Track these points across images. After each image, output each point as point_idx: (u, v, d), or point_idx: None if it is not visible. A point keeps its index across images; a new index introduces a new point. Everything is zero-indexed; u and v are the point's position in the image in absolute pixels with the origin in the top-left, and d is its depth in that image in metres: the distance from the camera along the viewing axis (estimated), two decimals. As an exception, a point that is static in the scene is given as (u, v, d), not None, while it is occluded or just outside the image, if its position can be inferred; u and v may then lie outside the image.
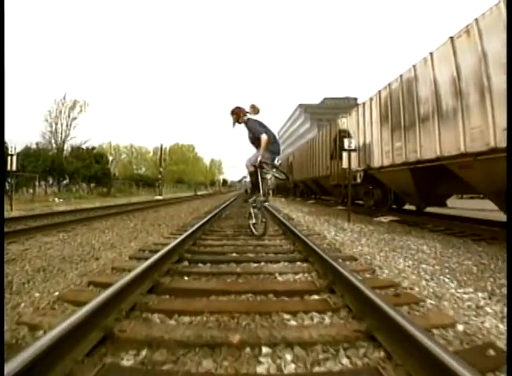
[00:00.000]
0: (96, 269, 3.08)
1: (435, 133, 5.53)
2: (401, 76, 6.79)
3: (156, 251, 2.96)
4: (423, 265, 3.37)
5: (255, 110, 4.93)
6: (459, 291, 2.53)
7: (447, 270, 3.23)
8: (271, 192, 5.87)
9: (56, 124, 28.71)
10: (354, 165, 8.77)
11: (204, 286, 2.37)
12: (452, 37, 5.02)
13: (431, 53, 5.65)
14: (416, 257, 3.80)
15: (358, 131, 9.16)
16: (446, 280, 2.86)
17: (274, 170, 4.67)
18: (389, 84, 7.36)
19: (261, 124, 4.83)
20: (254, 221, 4.95)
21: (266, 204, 4.83)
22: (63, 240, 4.90)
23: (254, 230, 4.80)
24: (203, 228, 5.13)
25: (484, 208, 11.05)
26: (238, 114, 4.95)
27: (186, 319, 1.86)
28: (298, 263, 3.15)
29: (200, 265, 3.05)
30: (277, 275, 2.71)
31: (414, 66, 6.23)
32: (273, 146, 4.80)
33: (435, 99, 5.50)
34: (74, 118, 29.64)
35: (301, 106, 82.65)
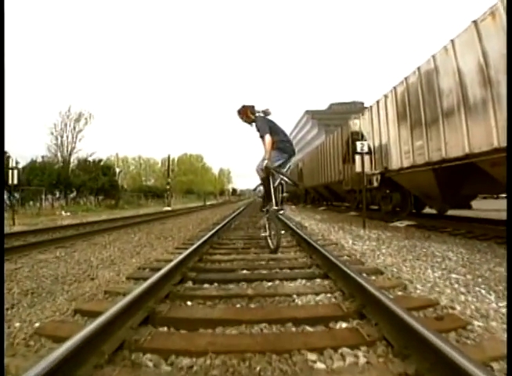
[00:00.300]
0: (89, 291, 2.76)
1: (462, 128, 5.08)
2: (418, 68, 6.37)
3: (157, 270, 2.64)
4: (454, 275, 3.09)
5: (266, 112, 4.61)
6: (500, 304, 2.24)
7: (480, 280, 2.95)
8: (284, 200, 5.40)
9: (62, 137, 28.81)
10: (369, 168, 8.36)
11: (209, 314, 2.00)
12: (475, 21, 4.62)
13: (452, 41, 5.24)
14: (443, 265, 3.52)
15: (372, 131, 8.74)
16: (483, 292, 2.57)
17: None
18: (405, 79, 6.93)
19: (270, 122, 4.44)
20: (266, 233, 4.56)
21: (281, 213, 4.36)
22: (59, 257, 4.61)
23: (270, 243, 4.35)
24: (211, 241, 4.78)
25: (500, 208, 10.74)
26: (245, 113, 4.62)
27: (186, 361, 1.50)
28: (318, 280, 2.77)
29: (206, 285, 2.68)
30: (295, 296, 2.33)
31: (433, 56, 5.81)
32: (284, 146, 4.39)
33: (460, 90, 5.06)
34: (80, 131, 29.78)
35: (307, 112, 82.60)
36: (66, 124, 29.03)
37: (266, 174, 4.26)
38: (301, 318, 1.91)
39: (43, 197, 20.83)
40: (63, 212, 19.06)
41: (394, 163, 7.64)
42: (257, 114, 4.56)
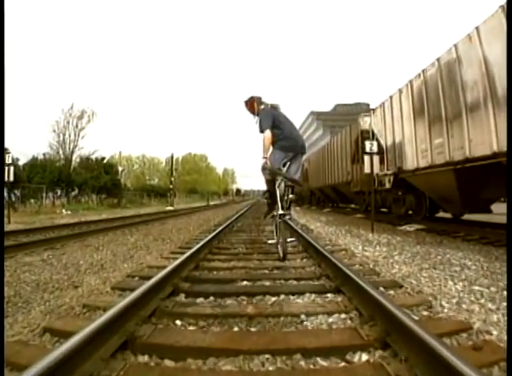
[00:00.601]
0: (68, 303, 2.44)
1: (490, 124, 4.63)
2: (438, 60, 5.94)
3: (147, 278, 2.34)
4: (477, 287, 2.79)
5: (274, 105, 4.26)
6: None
7: (506, 293, 2.60)
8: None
9: (64, 134, 28.49)
10: (380, 169, 7.96)
11: (200, 341, 1.65)
12: (503, 6, 4.21)
13: (477, 28, 4.82)
14: (463, 276, 3.21)
15: (384, 129, 8.27)
16: (513, 308, 2.22)
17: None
18: (423, 71, 6.48)
19: (275, 115, 4.05)
20: (274, 240, 4.19)
21: (287, 218, 3.95)
22: (46, 260, 4.33)
23: (280, 251, 3.82)
24: (211, 245, 4.44)
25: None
26: (251, 104, 4.28)
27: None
28: (330, 296, 2.41)
29: (200, 300, 2.34)
30: (303, 317, 1.98)
31: (455, 45, 5.38)
32: (289, 143, 3.99)
33: (487, 81, 4.63)
34: (82, 128, 29.48)
35: (312, 113, 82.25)
36: (68, 122, 28.82)
37: (271, 175, 3.93)
38: (311, 348, 1.56)
39: (44, 194, 20.61)
40: (64, 211, 18.89)
41: (409, 163, 7.19)
42: (262, 106, 4.21)
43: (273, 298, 2.33)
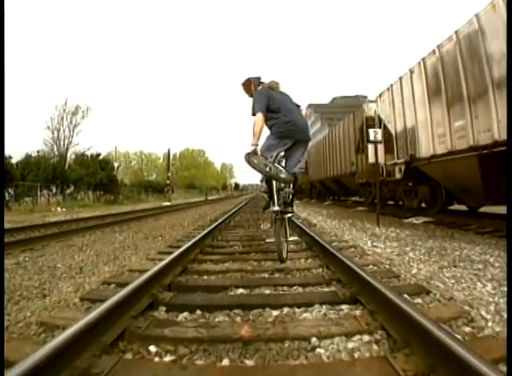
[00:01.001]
0: (29, 317, 2.04)
1: (524, 100, 4.01)
2: (456, 32, 5.35)
3: (124, 285, 1.94)
4: None
5: (271, 85, 3.69)
6: None
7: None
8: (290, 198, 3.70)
9: (58, 131, 28.01)
10: (388, 158, 7.43)
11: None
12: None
13: None
14: (489, 275, 2.84)
15: (394, 114, 7.66)
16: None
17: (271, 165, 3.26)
18: (438, 47, 5.89)
19: (272, 96, 3.43)
20: (272, 240, 3.65)
21: (287, 216, 3.44)
22: (20, 263, 3.90)
23: (283, 253, 3.20)
24: (203, 243, 3.98)
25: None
26: (248, 87, 3.72)
27: None
28: (345, 308, 1.94)
29: (184, 315, 1.87)
30: (315, 341, 1.52)
31: (477, 15, 4.80)
32: (286, 128, 3.33)
33: (518, 52, 4.03)
34: (77, 124, 29.02)
35: (310, 105, 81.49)
36: (62, 118, 28.38)
37: (257, 169, 3.35)
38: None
39: (38, 192, 20.09)
40: (59, 208, 18.43)
41: (424, 150, 6.58)
42: (259, 87, 3.66)
43: (275, 313, 1.86)
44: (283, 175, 3.29)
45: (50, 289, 2.76)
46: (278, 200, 3.27)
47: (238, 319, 1.80)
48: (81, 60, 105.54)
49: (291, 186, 3.48)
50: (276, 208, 3.22)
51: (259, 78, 3.72)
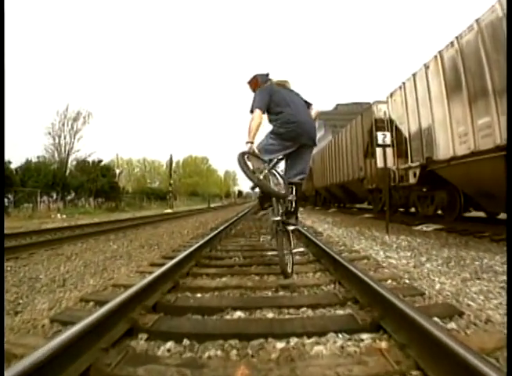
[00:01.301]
0: None
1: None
2: (477, 21, 4.94)
3: (103, 304, 1.64)
4: None
5: (281, 83, 3.30)
6: None
7: None
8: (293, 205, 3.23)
9: (59, 137, 27.86)
10: (400, 162, 7.00)
11: None
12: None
13: None
14: None
15: (407, 114, 7.23)
16: None
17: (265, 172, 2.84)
18: (457, 38, 5.47)
19: (272, 92, 3.08)
20: (275, 252, 3.27)
21: (291, 229, 3.01)
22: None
23: (287, 268, 2.81)
24: (200, 254, 3.64)
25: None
26: (254, 85, 3.31)
27: None
28: (366, 338, 1.57)
29: (166, 348, 1.52)
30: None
31: (499, 1, 4.40)
32: (286, 129, 2.94)
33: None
34: (78, 130, 28.90)
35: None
36: (63, 124, 28.28)
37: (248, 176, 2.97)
38: None
39: (38, 198, 19.88)
40: (59, 215, 18.23)
41: (442, 151, 6.11)
42: (266, 84, 3.30)
43: (279, 345, 1.49)
44: (276, 189, 2.87)
45: (25, 304, 2.48)
46: (279, 208, 2.91)
47: (233, 353, 1.44)
48: (83, 66, 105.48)
49: (294, 192, 3.08)
50: (277, 218, 2.87)
51: (267, 75, 3.35)
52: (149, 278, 2.16)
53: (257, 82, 3.29)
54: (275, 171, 3.07)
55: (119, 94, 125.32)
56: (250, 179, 2.65)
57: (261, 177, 2.72)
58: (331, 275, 2.77)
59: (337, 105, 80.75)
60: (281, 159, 3.19)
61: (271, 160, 3.04)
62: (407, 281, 2.69)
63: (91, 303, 2.26)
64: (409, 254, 4.13)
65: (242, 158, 2.65)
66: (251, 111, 2.92)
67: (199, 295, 2.32)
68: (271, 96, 3.03)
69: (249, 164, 2.69)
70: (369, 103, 11.47)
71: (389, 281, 2.64)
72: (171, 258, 3.19)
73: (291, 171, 3.14)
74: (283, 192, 2.93)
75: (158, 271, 2.37)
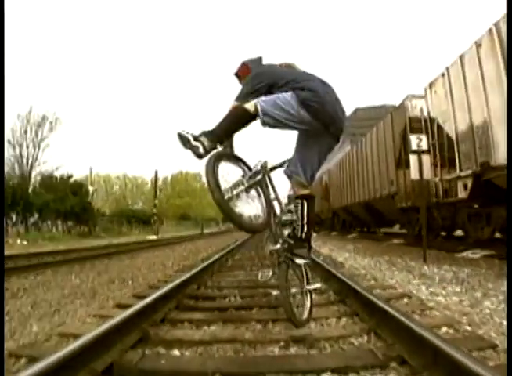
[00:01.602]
0: None
1: None
2: None
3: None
4: None
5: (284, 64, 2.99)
6: None
7: None
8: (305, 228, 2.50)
9: (21, 146, 27.92)
10: (444, 172, 6.66)
11: None
12: None
13: None
14: None
15: (452, 109, 6.85)
16: None
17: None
18: None
19: (273, 71, 2.75)
20: (277, 292, 2.72)
21: (301, 262, 2.49)
22: None
23: (295, 311, 2.45)
24: (184, 292, 3.38)
25: None
26: (245, 74, 3.01)
27: None
28: None
29: None
30: None
31: None
32: (317, 103, 2.37)
33: None
34: (44, 138, 29.11)
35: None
36: (26, 131, 28.50)
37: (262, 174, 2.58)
38: None
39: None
40: (19, 240, 18.15)
41: (503, 154, 5.53)
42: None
43: None
44: (247, 216, 2.46)
45: None
46: (279, 232, 2.56)
47: None
48: (49, 61, 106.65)
49: (304, 209, 2.49)
50: (276, 247, 2.52)
51: (260, 59, 3.02)
52: (105, 326, 1.84)
53: (248, 70, 2.96)
54: (259, 187, 2.65)
55: (95, 97, 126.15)
56: (213, 198, 2.18)
57: (231, 195, 2.29)
58: (362, 322, 2.45)
59: (357, 109, 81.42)
60: (275, 168, 2.73)
61: (256, 173, 2.57)
62: (468, 327, 2.40)
63: (23, 360, 1.92)
64: (458, 289, 3.96)
65: (211, 164, 2.23)
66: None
67: (175, 353, 1.96)
68: (268, 78, 2.69)
69: (219, 173, 2.27)
70: (394, 106, 11.25)
71: (444, 328, 2.33)
72: (144, 297, 2.86)
73: (299, 164, 2.60)
74: (260, 222, 2.53)
75: (121, 315, 2.07)
